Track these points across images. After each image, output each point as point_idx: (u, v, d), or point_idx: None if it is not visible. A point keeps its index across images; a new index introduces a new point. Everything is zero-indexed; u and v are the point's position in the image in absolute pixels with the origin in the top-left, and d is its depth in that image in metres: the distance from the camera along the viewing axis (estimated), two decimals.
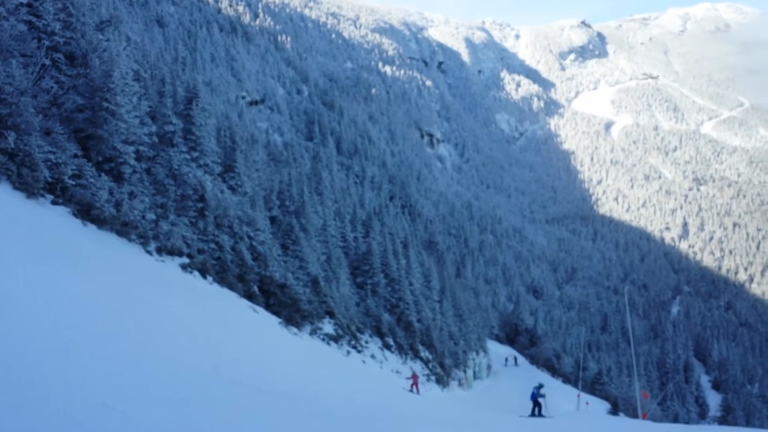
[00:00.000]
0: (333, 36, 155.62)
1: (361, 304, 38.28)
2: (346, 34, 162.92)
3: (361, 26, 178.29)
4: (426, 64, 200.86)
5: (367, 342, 32.75)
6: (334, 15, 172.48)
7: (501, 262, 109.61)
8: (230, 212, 25.81)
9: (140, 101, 22.94)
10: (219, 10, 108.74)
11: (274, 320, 22.88)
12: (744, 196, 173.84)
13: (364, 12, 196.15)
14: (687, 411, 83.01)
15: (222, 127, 34.40)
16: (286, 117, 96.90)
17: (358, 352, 29.54)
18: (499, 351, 66.02)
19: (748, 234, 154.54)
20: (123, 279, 15.51)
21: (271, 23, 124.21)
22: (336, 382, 18.97)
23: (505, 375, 56.22)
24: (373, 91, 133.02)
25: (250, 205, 28.80)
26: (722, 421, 77.69)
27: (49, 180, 16.88)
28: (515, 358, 64.64)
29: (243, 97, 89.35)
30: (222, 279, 22.47)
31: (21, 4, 19.43)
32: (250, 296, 23.55)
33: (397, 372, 32.09)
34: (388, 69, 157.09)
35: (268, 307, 24.49)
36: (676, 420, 70.05)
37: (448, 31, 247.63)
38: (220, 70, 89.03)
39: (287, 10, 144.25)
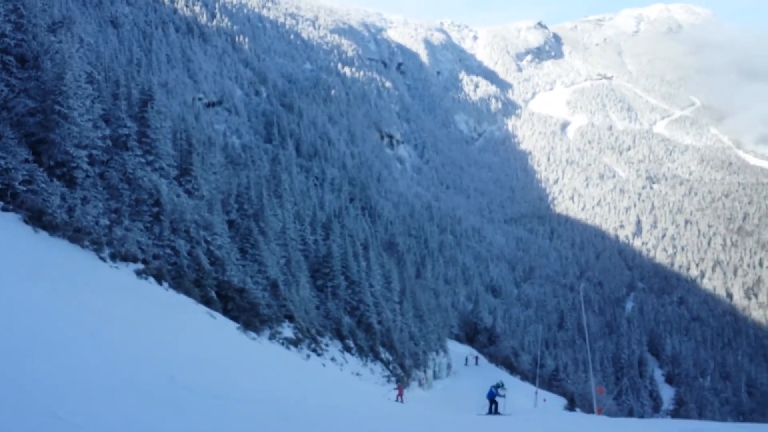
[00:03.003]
0: (291, 37, 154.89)
1: (321, 307, 38.23)
2: (304, 35, 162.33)
3: (319, 27, 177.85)
4: (385, 65, 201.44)
5: (327, 345, 32.77)
6: (292, 15, 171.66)
7: (461, 262, 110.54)
8: (187, 216, 25.53)
9: (93, 104, 22.57)
10: (175, 11, 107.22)
11: (232, 325, 22.75)
12: (695, 194, 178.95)
13: (322, 12, 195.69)
14: (641, 405, 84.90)
15: (178, 130, 33.95)
16: (244, 119, 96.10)
17: (318, 355, 29.55)
18: (458, 350, 66.60)
19: (699, 231, 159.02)
20: (76, 286, 15.28)
21: (229, 24, 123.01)
22: (295, 386, 18.99)
23: (464, 374, 56.78)
24: (333, 92, 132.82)
25: (207, 208, 28.52)
26: (675, 414, 79.98)
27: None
28: (476, 358, 65.24)
29: (200, 99, 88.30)
30: (178, 285, 22.25)
31: None
32: (207, 302, 23.37)
33: (358, 374, 32.21)
34: (347, 70, 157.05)
35: (226, 312, 24.33)
36: (630, 414, 71.69)
37: (407, 32, 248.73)
38: (176, 71, 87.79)
39: (245, 11, 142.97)
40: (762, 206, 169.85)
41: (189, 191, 28.68)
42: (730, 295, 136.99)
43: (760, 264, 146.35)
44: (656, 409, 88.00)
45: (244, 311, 25.16)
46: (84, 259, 18.32)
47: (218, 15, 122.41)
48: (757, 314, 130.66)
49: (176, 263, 23.75)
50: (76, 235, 18.62)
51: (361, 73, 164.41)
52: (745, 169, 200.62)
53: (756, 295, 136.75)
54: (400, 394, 28.45)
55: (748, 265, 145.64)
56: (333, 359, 31.14)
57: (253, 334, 23.77)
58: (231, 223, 33.05)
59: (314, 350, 29.60)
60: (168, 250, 23.79)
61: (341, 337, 36.18)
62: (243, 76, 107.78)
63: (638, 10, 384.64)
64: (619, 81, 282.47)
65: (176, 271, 23.29)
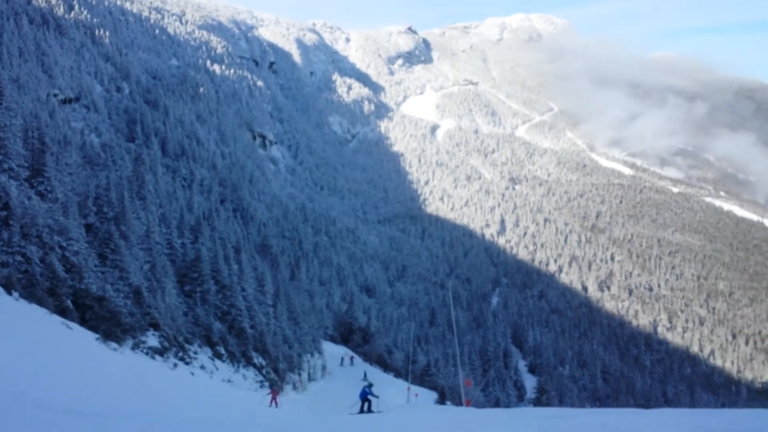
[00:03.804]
0: (156, 31, 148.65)
1: (189, 313, 36.94)
2: (171, 30, 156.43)
3: (187, 22, 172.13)
4: (257, 63, 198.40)
5: (196, 353, 31.74)
6: (158, 10, 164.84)
7: (335, 263, 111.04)
8: (39, 221, 23.84)
9: None
10: (29, 2, 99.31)
11: (90, 336, 21.51)
12: (553, 194, 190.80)
13: (190, 8, 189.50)
14: (507, 395, 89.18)
15: (30, 128, 31.68)
16: (104, 116, 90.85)
17: (186, 363, 28.56)
18: (333, 351, 66.83)
19: (557, 228, 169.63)
20: None
21: (88, 16, 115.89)
22: (161, 397, 18.31)
23: (339, 375, 57.08)
24: (201, 90, 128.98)
25: (62, 212, 26.76)
26: (537, 402, 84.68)
27: None
28: (351, 358, 65.64)
29: (55, 95, 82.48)
30: (30, 294, 20.72)
31: None
32: (62, 312, 21.93)
33: (229, 381, 31.50)
34: (216, 68, 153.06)
35: (83, 322, 22.94)
36: (497, 404, 75.26)
37: (278, 31, 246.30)
38: (29, 65, 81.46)
39: (106, 3, 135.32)
40: (613, 205, 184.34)
41: (41, 193, 26.84)
42: (585, 288, 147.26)
43: (612, 259, 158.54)
44: (521, 398, 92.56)
45: (104, 321, 23.83)
46: None
47: (77, 7, 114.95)
48: (609, 305, 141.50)
49: (27, 271, 22.13)
50: None
51: (232, 71, 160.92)
52: (597, 170, 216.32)
53: (608, 288, 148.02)
54: (274, 399, 28.20)
55: (601, 260, 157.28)
56: (203, 367, 30.25)
57: (114, 345, 22.58)
58: (89, 228, 31.22)
59: (182, 359, 28.59)
60: (18, 258, 22.13)
61: (211, 344, 35.19)
62: (103, 72, 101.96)
63: (502, 18, 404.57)
64: (484, 87, 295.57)
65: (27, 279, 21.70)
